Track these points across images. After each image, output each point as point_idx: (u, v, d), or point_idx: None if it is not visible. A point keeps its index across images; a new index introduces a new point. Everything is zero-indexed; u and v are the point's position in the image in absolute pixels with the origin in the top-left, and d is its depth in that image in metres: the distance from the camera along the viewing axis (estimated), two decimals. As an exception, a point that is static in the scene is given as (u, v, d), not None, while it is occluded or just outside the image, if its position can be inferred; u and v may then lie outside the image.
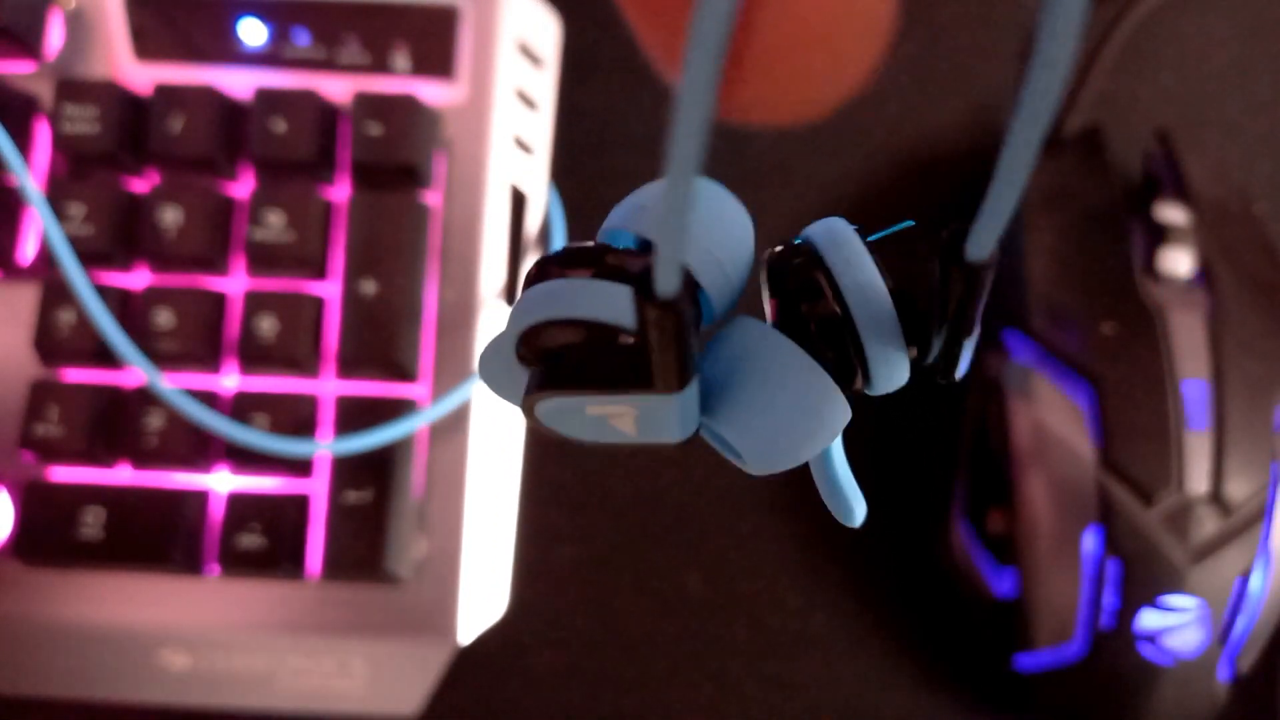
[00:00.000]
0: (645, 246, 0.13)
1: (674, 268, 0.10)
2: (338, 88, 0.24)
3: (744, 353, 0.13)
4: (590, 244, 0.13)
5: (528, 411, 0.13)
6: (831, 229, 0.13)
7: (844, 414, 0.13)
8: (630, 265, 0.12)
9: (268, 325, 0.23)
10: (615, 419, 0.13)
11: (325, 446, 0.23)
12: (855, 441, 0.17)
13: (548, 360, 0.12)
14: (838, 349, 0.13)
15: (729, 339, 0.13)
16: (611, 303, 0.12)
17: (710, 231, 0.13)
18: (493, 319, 0.24)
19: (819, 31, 0.09)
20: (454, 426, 0.24)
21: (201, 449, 0.23)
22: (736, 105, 0.09)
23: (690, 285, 0.12)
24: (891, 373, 0.13)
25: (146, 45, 0.24)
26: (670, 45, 0.09)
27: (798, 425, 0.13)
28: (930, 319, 0.12)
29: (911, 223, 0.13)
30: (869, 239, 0.13)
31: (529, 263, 0.25)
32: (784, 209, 0.27)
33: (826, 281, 0.13)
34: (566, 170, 0.27)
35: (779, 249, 0.13)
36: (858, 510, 0.15)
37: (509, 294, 0.25)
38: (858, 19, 0.09)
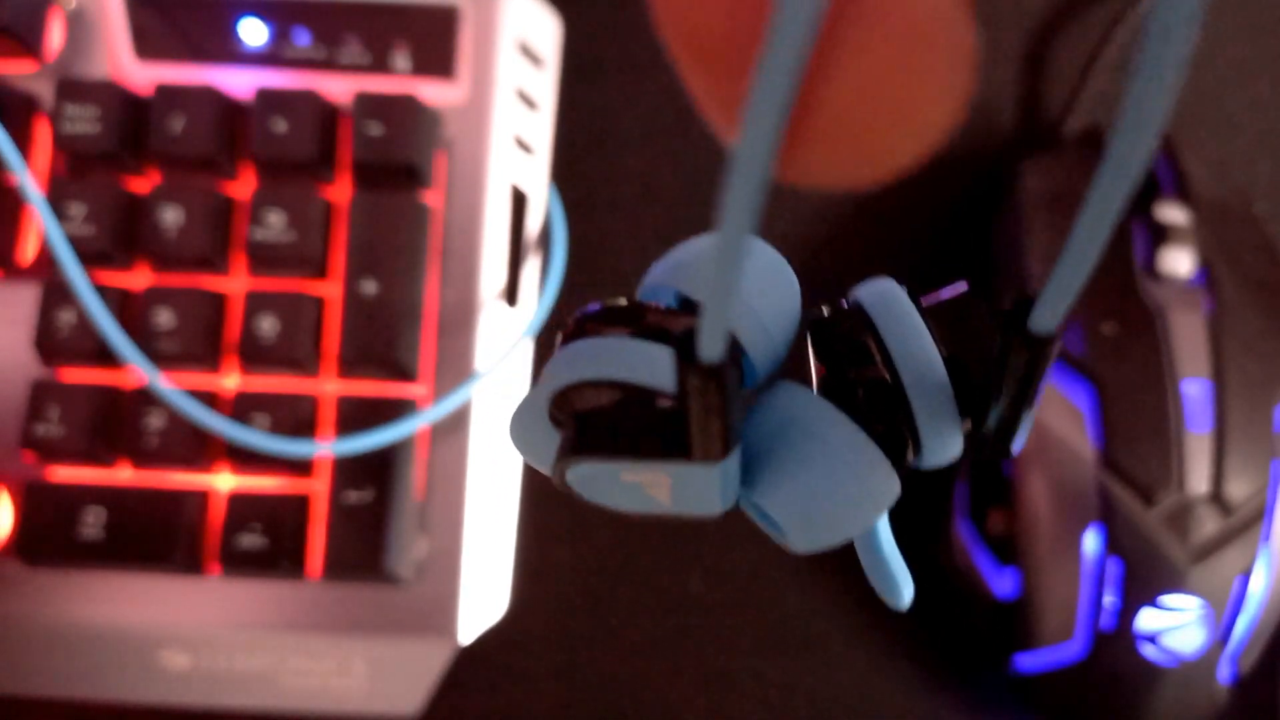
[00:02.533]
0: (687, 305, 0.13)
1: (720, 332, 0.09)
2: (338, 88, 0.24)
3: (788, 421, 0.12)
4: (629, 301, 0.12)
5: (558, 476, 0.12)
6: (882, 292, 0.12)
7: (893, 489, 0.12)
8: (672, 325, 0.12)
9: (268, 325, 0.23)
10: (650, 488, 0.12)
11: (325, 447, 0.23)
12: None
13: (581, 423, 0.12)
14: (887, 419, 0.12)
15: (772, 406, 0.12)
16: (651, 365, 0.11)
17: (756, 292, 0.12)
18: (493, 319, 0.24)
19: (894, 93, 0.08)
20: (454, 427, 0.24)
21: (202, 449, 0.23)
22: (797, 168, 0.09)
23: (734, 349, 0.11)
24: (944, 446, 0.12)
25: (147, 45, 0.24)
26: (726, 99, 0.08)
27: (845, 500, 0.12)
28: (986, 389, 0.12)
29: (964, 285, 0.13)
30: (921, 302, 0.12)
31: (529, 264, 0.25)
32: (784, 209, 0.27)
33: (877, 347, 0.12)
34: (566, 170, 0.27)
35: (825, 311, 0.13)
36: (906, 591, 0.14)
37: (509, 295, 0.25)
38: (934, 81, 0.08)
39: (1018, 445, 0.12)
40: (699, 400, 0.10)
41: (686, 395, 0.10)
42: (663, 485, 0.12)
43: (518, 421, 0.13)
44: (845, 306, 0.13)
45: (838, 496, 0.12)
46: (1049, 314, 0.10)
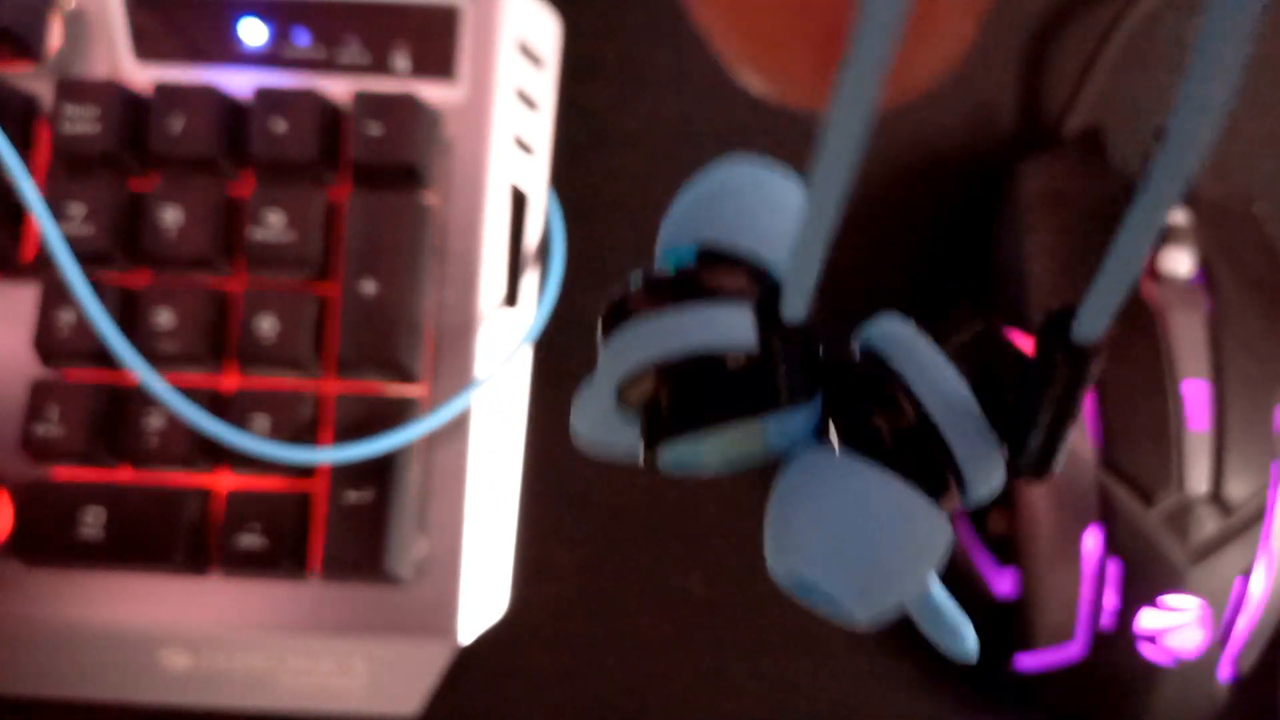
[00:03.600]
0: (711, 255, 0.12)
1: (805, 293, 0.09)
2: (338, 88, 0.24)
3: (822, 488, 0.11)
4: (667, 273, 0.12)
5: (650, 463, 0.12)
6: (893, 332, 0.12)
7: (947, 534, 0.12)
8: (733, 287, 0.11)
9: (268, 325, 0.23)
10: (743, 443, 0.12)
11: (325, 456, 0.23)
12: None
13: (665, 403, 0.11)
14: (924, 463, 0.11)
15: (801, 475, 0.12)
16: (730, 331, 0.11)
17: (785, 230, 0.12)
18: (493, 319, 0.24)
19: (920, 5, 0.08)
20: (455, 427, 0.24)
21: (202, 449, 0.23)
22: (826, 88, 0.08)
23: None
24: (988, 478, 0.12)
25: (146, 45, 0.24)
26: (759, 31, 0.08)
27: (901, 558, 0.11)
28: (1021, 411, 0.11)
29: (967, 304, 0.12)
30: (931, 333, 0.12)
31: (529, 264, 0.25)
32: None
33: (902, 391, 0.11)
34: (566, 170, 0.27)
35: (837, 363, 0.12)
36: (969, 637, 0.13)
37: (509, 295, 0.25)
38: None
39: (1059, 464, 0.11)
40: (787, 356, 0.10)
41: (773, 354, 0.10)
42: (755, 438, 0.11)
43: (582, 416, 0.12)
44: (855, 352, 0.12)
45: (893, 555, 0.11)
46: (1093, 323, 0.09)
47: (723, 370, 0.11)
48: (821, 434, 0.12)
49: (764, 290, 0.10)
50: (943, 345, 0.12)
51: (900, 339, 0.12)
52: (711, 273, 0.12)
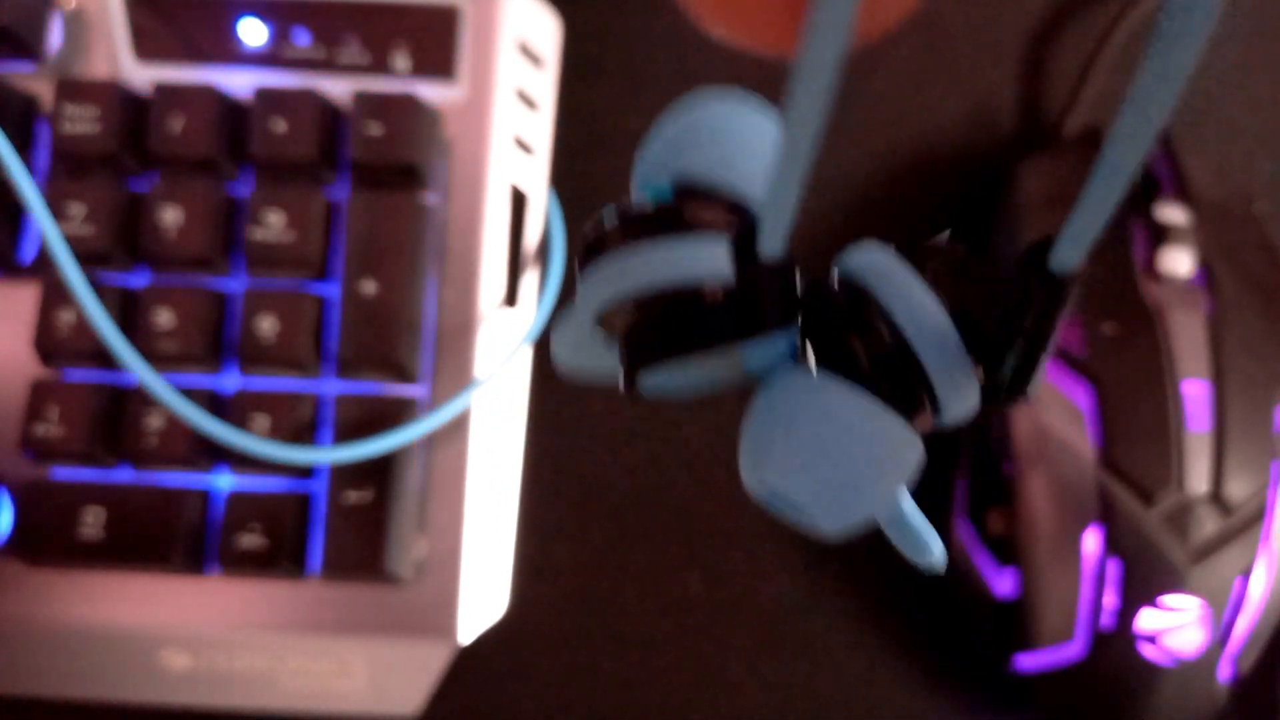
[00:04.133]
0: (689, 189, 0.12)
1: (782, 230, 0.09)
2: (338, 88, 0.24)
3: (797, 404, 0.11)
4: (645, 206, 0.12)
5: (630, 388, 0.12)
6: (870, 256, 0.12)
7: (916, 451, 0.12)
8: (710, 222, 0.12)
9: (268, 325, 0.23)
10: (722, 367, 0.12)
11: (325, 456, 0.23)
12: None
13: (640, 331, 0.12)
14: (898, 382, 0.12)
15: (776, 392, 0.12)
16: (707, 265, 0.11)
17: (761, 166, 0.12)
18: (492, 320, 0.24)
19: None
20: (454, 427, 0.24)
21: (201, 449, 0.23)
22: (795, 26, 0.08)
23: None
24: (961, 399, 0.12)
25: (146, 45, 0.24)
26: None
27: (869, 470, 0.11)
28: (997, 335, 0.11)
29: (946, 235, 0.12)
30: (910, 258, 0.12)
31: (529, 264, 0.25)
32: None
33: (878, 314, 0.12)
34: (566, 170, 0.27)
35: (815, 287, 0.12)
36: (936, 548, 0.13)
37: (509, 295, 0.25)
38: None
39: (1035, 389, 0.11)
40: (765, 288, 0.10)
41: (752, 284, 0.10)
42: (734, 362, 0.12)
43: (562, 343, 0.12)
44: (835, 279, 0.12)
45: (861, 468, 0.11)
46: (1072, 252, 0.09)
47: (701, 302, 0.11)
48: (799, 358, 0.12)
49: (741, 227, 0.10)
50: (921, 271, 0.12)
51: (878, 264, 0.12)
52: (689, 207, 0.12)
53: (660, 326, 0.11)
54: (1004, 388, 0.12)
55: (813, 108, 0.08)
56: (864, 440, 0.11)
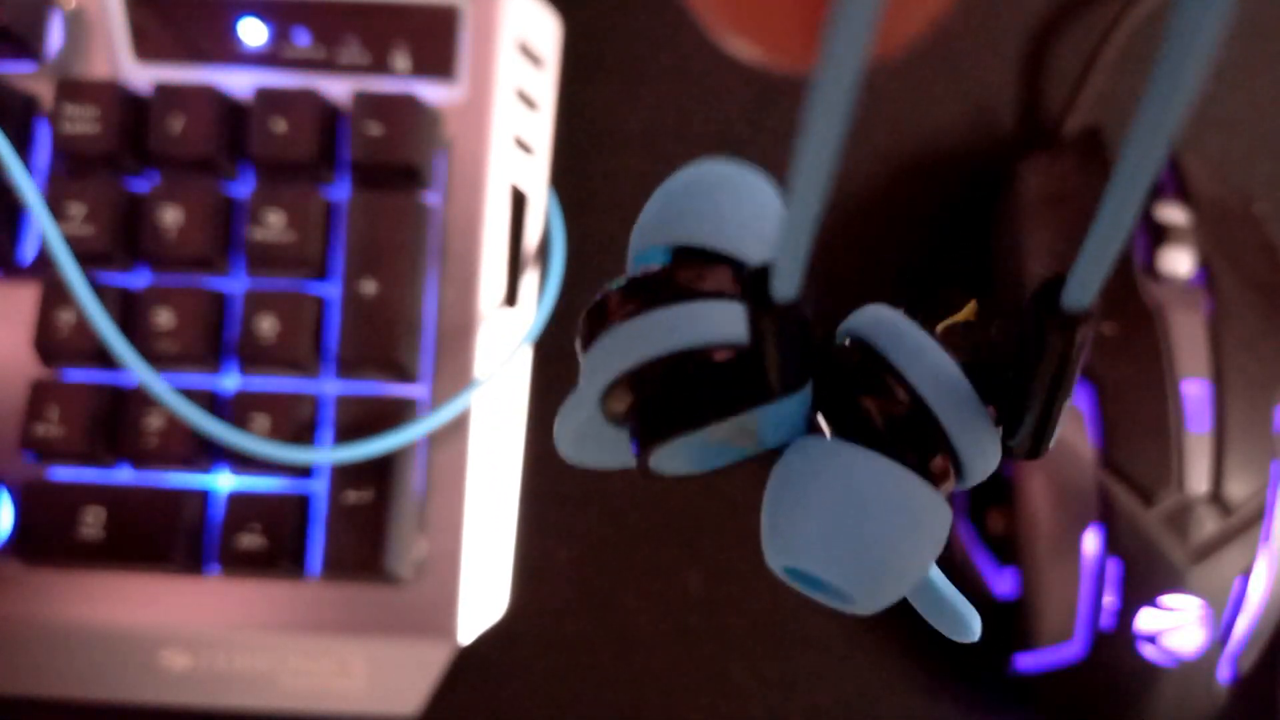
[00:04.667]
0: (685, 255, 0.12)
1: (797, 270, 0.09)
2: (338, 88, 0.24)
3: (817, 477, 0.11)
4: (648, 271, 0.12)
5: (644, 468, 0.11)
6: (877, 317, 0.12)
7: (946, 516, 0.11)
8: (711, 281, 0.11)
9: (268, 325, 0.23)
10: (735, 439, 0.11)
11: (325, 456, 0.23)
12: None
13: (652, 406, 0.11)
14: (919, 446, 0.11)
15: (795, 465, 0.11)
16: (718, 324, 0.11)
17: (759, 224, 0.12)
18: (492, 320, 0.24)
19: None
20: (454, 427, 0.24)
21: (201, 449, 0.23)
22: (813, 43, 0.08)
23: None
24: (985, 458, 0.11)
25: (146, 45, 0.24)
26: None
27: (903, 543, 0.11)
28: (1014, 387, 0.11)
29: (973, 305, 0.12)
30: (919, 319, 0.12)
31: (529, 264, 0.25)
32: (784, 209, 0.27)
33: (892, 375, 0.11)
34: (566, 170, 0.27)
35: (820, 350, 0.12)
36: (974, 624, 0.13)
37: (509, 295, 0.25)
38: None
39: (1053, 440, 0.11)
40: (779, 339, 0.10)
41: (764, 338, 0.10)
42: (749, 432, 0.11)
43: (566, 429, 0.12)
44: (845, 343, 0.12)
45: (895, 541, 0.11)
46: (1082, 289, 0.09)
47: (711, 365, 0.11)
48: (813, 427, 0.12)
49: (753, 271, 0.09)
50: (930, 328, 0.11)
51: (887, 324, 0.12)
52: (688, 270, 0.11)
53: (670, 397, 0.11)
54: (1025, 441, 0.11)
55: (829, 133, 0.07)
56: (891, 510, 0.11)
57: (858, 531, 0.11)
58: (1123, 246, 0.08)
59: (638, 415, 0.11)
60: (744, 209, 0.12)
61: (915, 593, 0.13)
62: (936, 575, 0.13)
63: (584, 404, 0.12)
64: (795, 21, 0.08)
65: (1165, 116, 0.07)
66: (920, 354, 0.11)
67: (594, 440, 0.12)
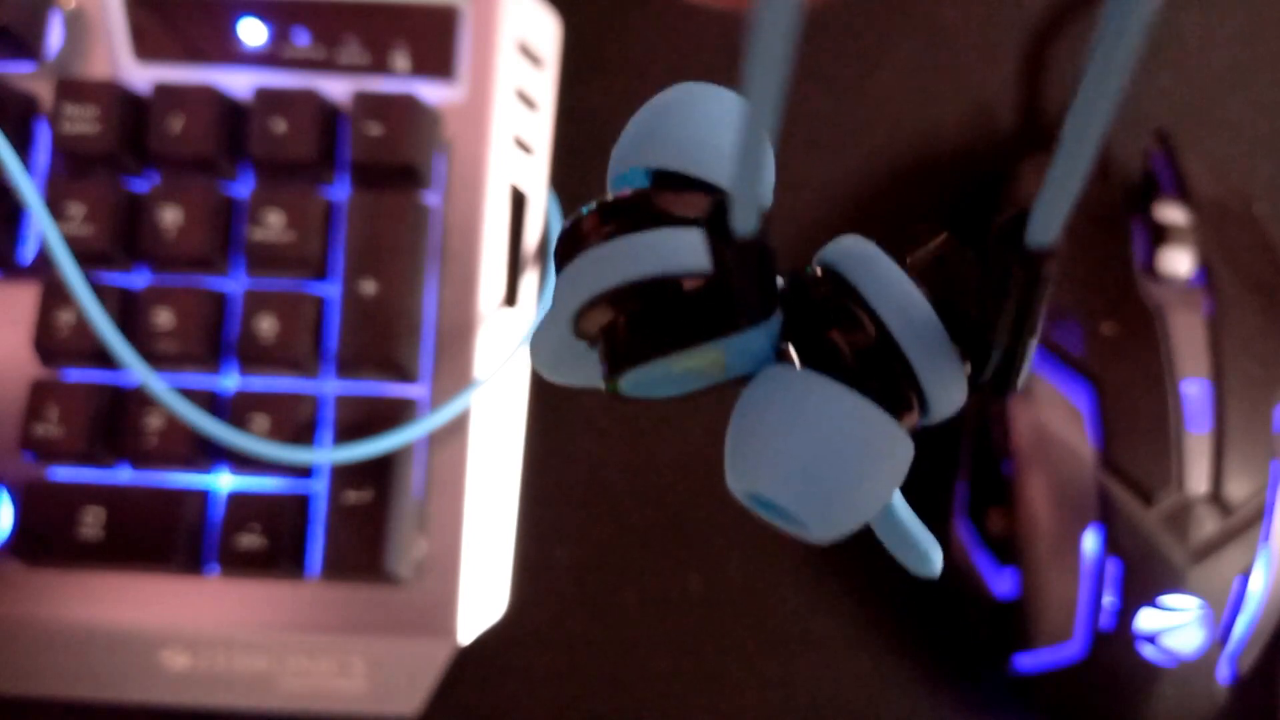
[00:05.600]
0: (661, 179, 0.12)
1: (753, 205, 0.09)
2: (338, 88, 0.24)
3: (780, 405, 0.11)
4: (622, 195, 0.12)
5: (612, 389, 0.11)
6: (850, 247, 0.12)
7: (907, 451, 0.11)
8: (682, 209, 0.11)
9: (268, 325, 0.23)
10: (703, 366, 0.11)
11: (325, 456, 0.23)
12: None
13: (622, 331, 0.11)
14: (884, 378, 0.11)
15: (764, 394, 0.11)
16: (682, 253, 0.11)
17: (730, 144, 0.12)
18: (492, 320, 0.24)
19: None
20: (454, 427, 0.24)
21: (201, 449, 0.23)
22: None
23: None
24: (949, 394, 0.11)
25: (146, 45, 0.24)
26: None
27: (860, 473, 0.11)
28: (982, 325, 0.11)
29: (944, 235, 0.12)
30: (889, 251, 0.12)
31: (528, 264, 0.25)
32: (783, 210, 0.27)
33: (861, 309, 0.11)
34: (566, 170, 0.27)
35: (795, 281, 0.12)
36: (935, 556, 0.13)
37: (509, 296, 0.25)
38: None
39: (1022, 379, 0.11)
40: (743, 272, 0.10)
41: (727, 271, 0.10)
42: (716, 360, 0.11)
43: (540, 347, 0.12)
44: (815, 272, 0.12)
45: (852, 470, 0.11)
46: (1045, 226, 0.09)
47: (679, 293, 0.11)
48: (782, 355, 0.12)
49: (713, 205, 0.09)
50: (903, 261, 0.11)
51: (859, 255, 0.11)
52: (663, 195, 0.12)
53: (638, 323, 0.11)
54: (992, 379, 0.11)
55: (772, 68, 0.07)
56: (852, 440, 0.11)
57: (815, 459, 0.11)
58: (1083, 182, 0.08)
59: (606, 339, 0.11)
60: (724, 133, 0.12)
61: (878, 524, 0.13)
62: (901, 508, 0.13)
63: (557, 323, 0.12)
64: None
65: (1120, 47, 0.07)
66: (889, 286, 0.11)
67: (568, 359, 0.12)
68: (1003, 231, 0.09)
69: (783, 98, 0.08)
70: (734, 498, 0.26)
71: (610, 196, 0.12)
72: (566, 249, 0.12)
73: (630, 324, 0.11)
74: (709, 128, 0.12)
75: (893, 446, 0.11)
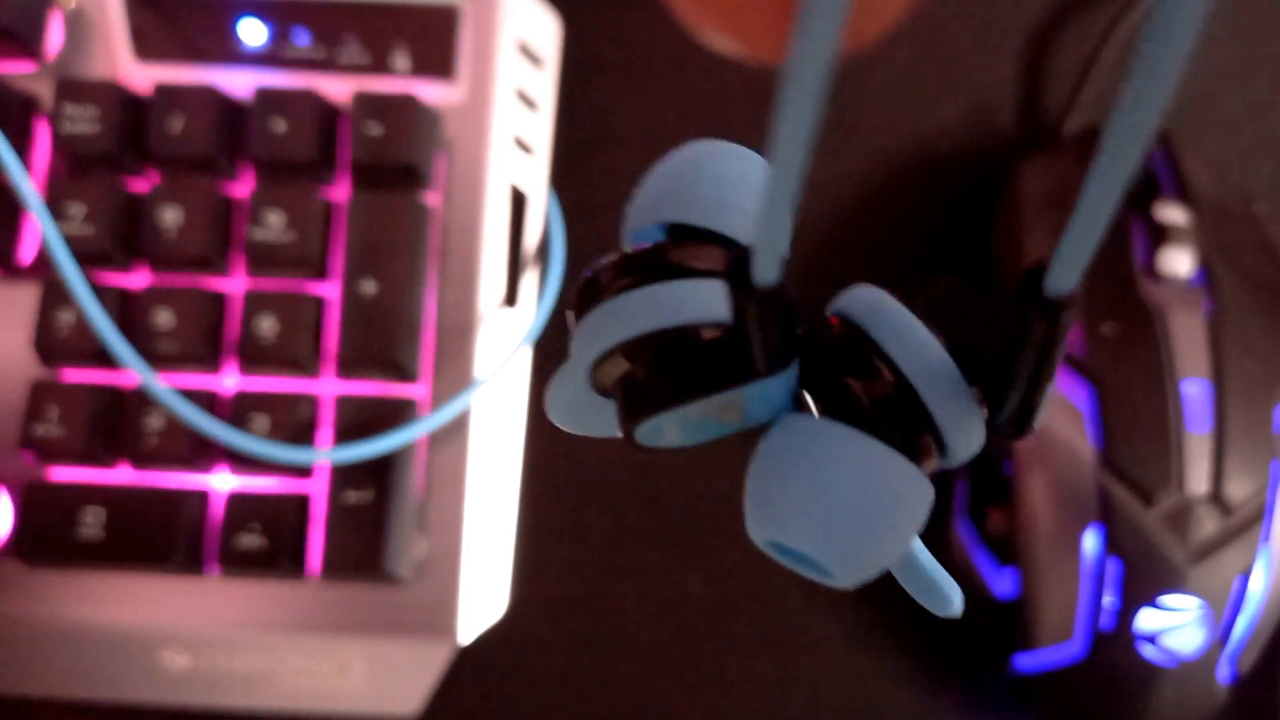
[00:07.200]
0: (680, 233, 0.12)
1: (776, 256, 0.09)
2: (338, 88, 0.24)
3: (801, 453, 0.11)
4: (641, 248, 0.12)
5: (629, 439, 0.12)
6: (864, 297, 0.12)
7: (928, 496, 0.11)
8: (700, 260, 0.11)
9: (268, 325, 0.23)
10: (721, 414, 0.12)
11: (325, 456, 0.23)
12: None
13: (636, 378, 0.11)
14: (903, 425, 0.11)
15: (779, 441, 0.12)
16: (702, 304, 0.11)
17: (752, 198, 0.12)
18: (492, 320, 0.24)
19: None
20: (454, 427, 0.24)
21: (201, 449, 0.23)
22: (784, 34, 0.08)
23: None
24: (968, 438, 0.12)
25: (146, 45, 0.24)
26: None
27: (883, 520, 0.11)
28: (999, 370, 0.11)
29: (951, 280, 0.12)
30: (906, 300, 0.12)
31: (529, 264, 0.25)
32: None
33: (877, 355, 0.11)
34: (566, 170, 0.27)
35: (811, 332, 0.12)
36: (955, 598, 0.13)
37: (509, 296, 0.25)
38: None
39: (1038, 422, 0.11)
40: (762, 322, 0.10)
41: (748, 320, 0.10)
42: (734, 408, 0.11)
43: (558, 398, 0.12)
44: (830, 322, 0.12)
45: (875, 517, 0.11)
46: (1065, 276, 0.09)
47: (698, 343, 0.11)
48: (799, 405, 0.12)
49: (735, 256, 0.10)
50: (913, 305, 0.12)
51: (872, 304, 0.12)
52: (681, 249, 0.12)
53: (657, 372, 0.11)
54: (1009, 422, 0.11)
55: (802, 122, 0.08)
56: (872, 486, 0.11)
57: (837, 508, 0.11)
58: (1104, 234, 0.08)
59: (624, 389, 0.12)
60: (741, 189, 0.12)
61: (899, 568, 0.13)
62: (920, 551, 0.13)
63: (575, 374, 0.12)
64: (769, 15, 0.08)
65: (1148, 105, 0.07)
66: (905, 334, 0.11)
67: (584, 409, 0.12)
68: (1023, 281, 0.10)
69: (813, 145, 0.08)
70: (734, 498, 0.26)
71: (629, 249, 0.12)
72: (585, 300, 0.12)
73: (648, 373, 0.11)
74: (727, 186, 0.12)
75: (913, 492, 0.11)
